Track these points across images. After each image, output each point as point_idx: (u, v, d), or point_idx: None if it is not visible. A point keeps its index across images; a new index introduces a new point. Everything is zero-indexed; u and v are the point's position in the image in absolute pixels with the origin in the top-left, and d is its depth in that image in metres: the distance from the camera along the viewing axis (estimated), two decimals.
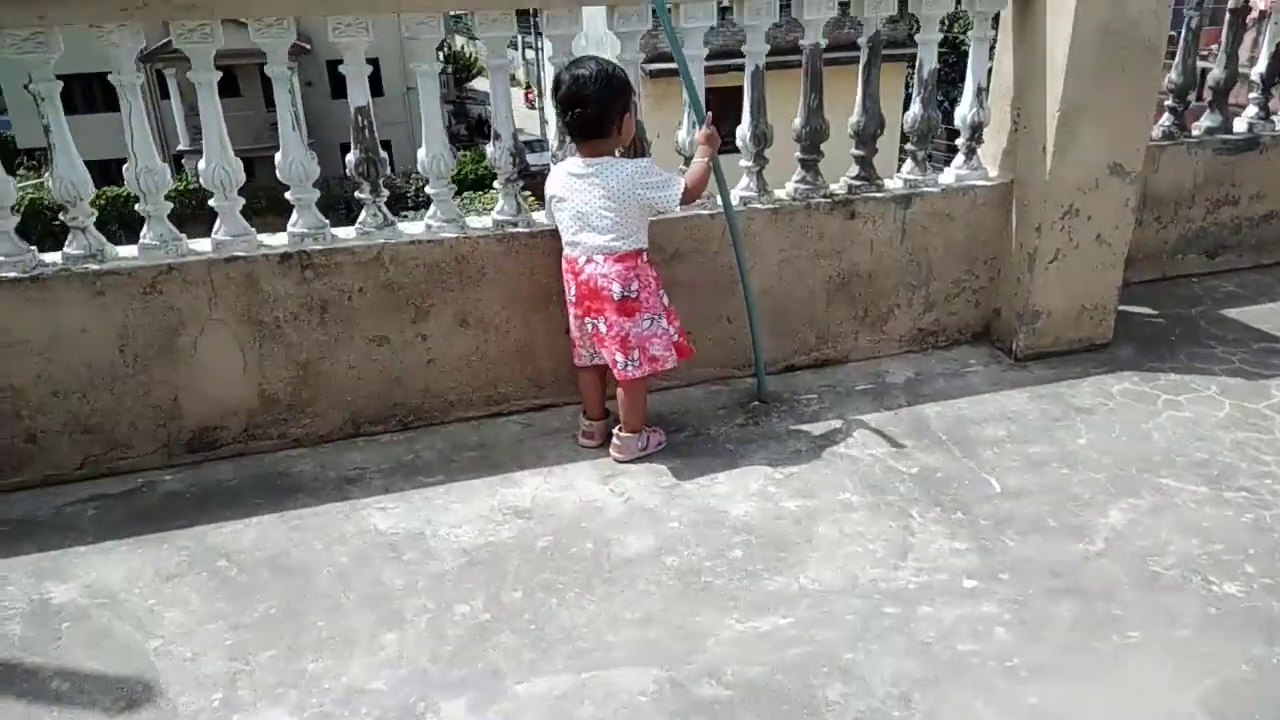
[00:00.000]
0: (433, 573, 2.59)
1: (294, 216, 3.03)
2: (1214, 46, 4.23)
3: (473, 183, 22.08)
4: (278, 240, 3.04)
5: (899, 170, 3.70)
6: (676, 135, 3.29)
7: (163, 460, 3.07)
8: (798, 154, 3.48)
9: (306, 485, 2.98)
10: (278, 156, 2.97)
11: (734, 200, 3.36)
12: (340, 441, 3.22)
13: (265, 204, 9.38)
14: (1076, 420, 3.30)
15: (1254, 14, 4.47)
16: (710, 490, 2.95)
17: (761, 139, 3.36)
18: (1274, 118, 4.36)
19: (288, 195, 3.01)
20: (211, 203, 2.95)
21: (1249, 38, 4.58)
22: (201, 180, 2.91)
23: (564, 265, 2.99)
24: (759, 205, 3.41)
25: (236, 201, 2.96)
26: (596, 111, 2.78)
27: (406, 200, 20.56)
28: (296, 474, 3.05)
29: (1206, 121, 4.28)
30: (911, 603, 2.46)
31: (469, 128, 39.57)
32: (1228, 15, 4.09)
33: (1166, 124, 4.21)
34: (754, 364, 3.44)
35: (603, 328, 2.95)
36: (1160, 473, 2.99)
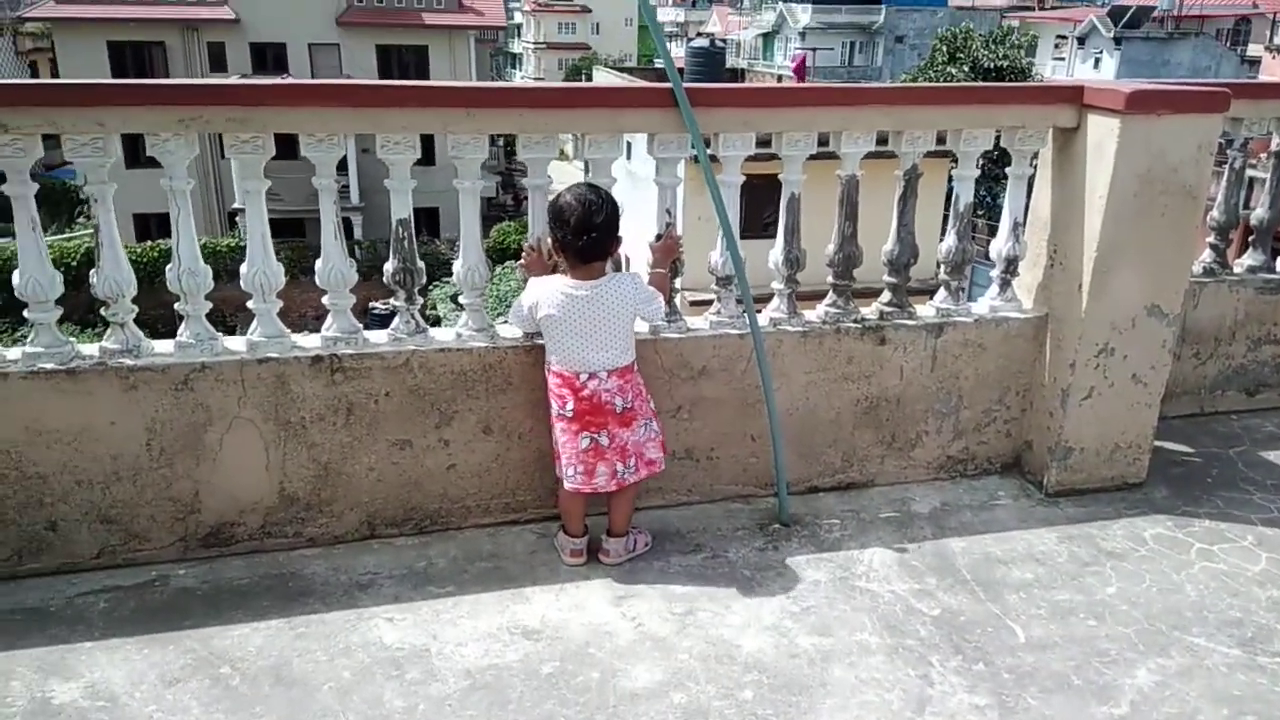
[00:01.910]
0: (434, 695, 2.54)
1: (329, 320, 3.08)
2: (1263, 155, 4.22)
3: (515, 253, 22.50)
4: (310, 342, 3.09)
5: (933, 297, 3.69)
6: (710, 256, 3.32)
7: (178, 554, 3.07)
8: (830, 279, 3.49)
9: (317, 589, 2.97)
10: (318, 263, 3.03)
11: (764, 321, 3.38)
12: (355, 543, 3.21)
13: (314, 264, 9.56)
14: (1106, 566, 3.21)
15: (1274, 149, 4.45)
16: (724, 620, 2.89)
17: (794, 263, 3.38)
18: None
19: (325, 300, 3.07)
20: (250, 304, 3.01)
21: None
22: (242, 283, 2.98)
23: (554, 381, 2.99)
24: (789, 327, 3.42)
25: (274, 304, 3.02)
26: (606, 236, 2.90)
27: (450, 268, 20.96)
28: (308, 576, 3.03)
29: (1249, 260, 4.24)
30: None
31: (516, 199, 40.41)
32: (1273, 160, 4.08)
33: (1208, 260, 4.18)
34: (776, 485, 3.40)
35: (604, 441, 2.97)
36: (1191, 630, 2.88)
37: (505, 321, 3.17)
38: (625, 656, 2.72)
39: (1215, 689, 2.64)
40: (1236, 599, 3.03)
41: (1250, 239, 4.30)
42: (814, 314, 3.49)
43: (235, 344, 3.05)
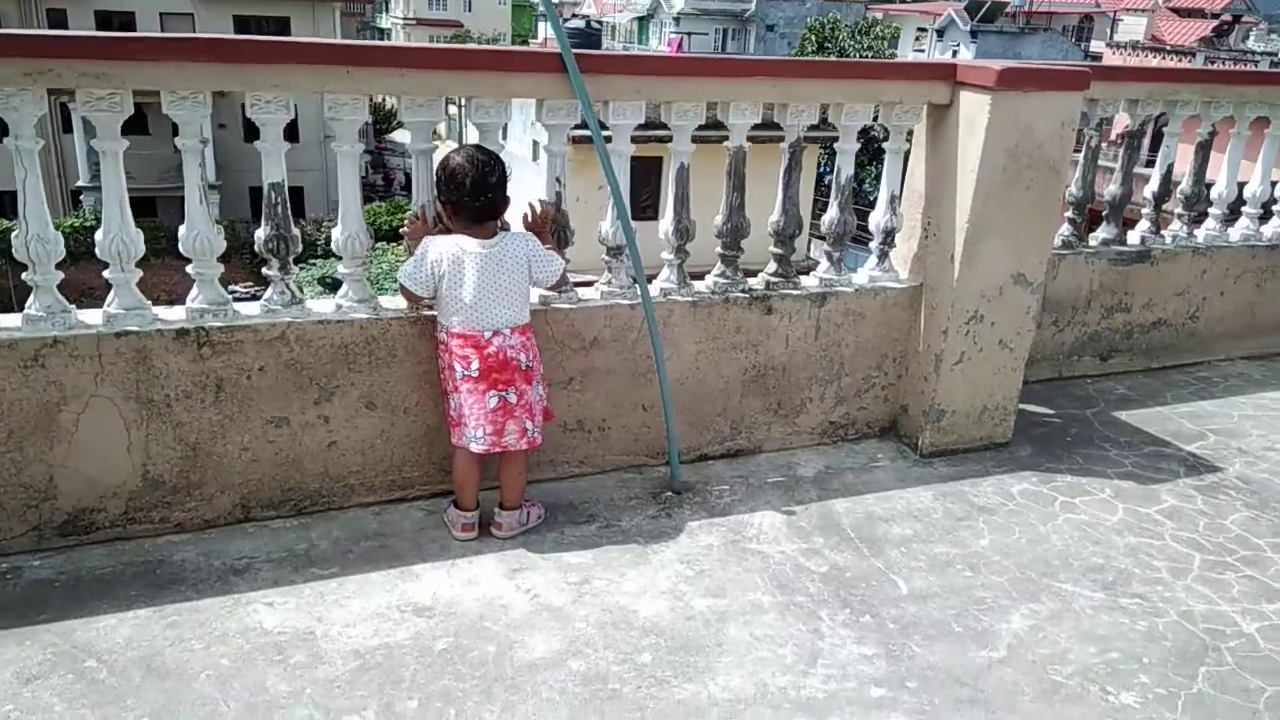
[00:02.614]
0: (322, 678, 2.44)
1: (194, 291, 2.90)
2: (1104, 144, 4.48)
3: (388, 233, 21.80)
4: (174, 315, 2.90)
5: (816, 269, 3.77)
6: (600, 226, 3.29)
7: (32, 544, 2.84)
8: (718, 249, 3.52)
9: (188, 576, 2.80)
10: (182, 229, 2.84)
11: (654, 291, 3.37)
12: (228, 527, 3.04)
13: (167, 245, 8.98)
14: (979, 520, 3.36)
15: (1118, 132, 4.77)
16: (620, 588, 2.88)
17: (684, 233, 3.39)
18: (1164, 232, 4.62)
19: (189, 269, 2.88)
20: (107, 274, 2.79)
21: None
22: (98, 251, 2.76)
23: (455, 344, 2.92)
24: (679, 297, 3.43)
25: (133, 274, 2.81)
26: (500, 195, 2.90)
27: (316, 248, 20.15)
28: (177, 563, 2.86)
29: (1103, 233, 4.51)
30: (821, 713, 2.43)
31: (386, 179, 39.27)
32: (1125, 138, 4.34)
33: (1066, 234, 4.42)
34: (668, 453, 3.42)
35: (512, 398, 2.93)
36: (1059, 577, 3.05)
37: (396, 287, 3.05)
38: (521, 628, 2.68)
39: (1083, 630, 2.80)
40: (1098, 547, 3.23)
41: (1104, 214, 4.56)
42: (703, 284, 3.51)
43: (91, 317, 2.83)
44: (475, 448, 2.95)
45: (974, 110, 3.42)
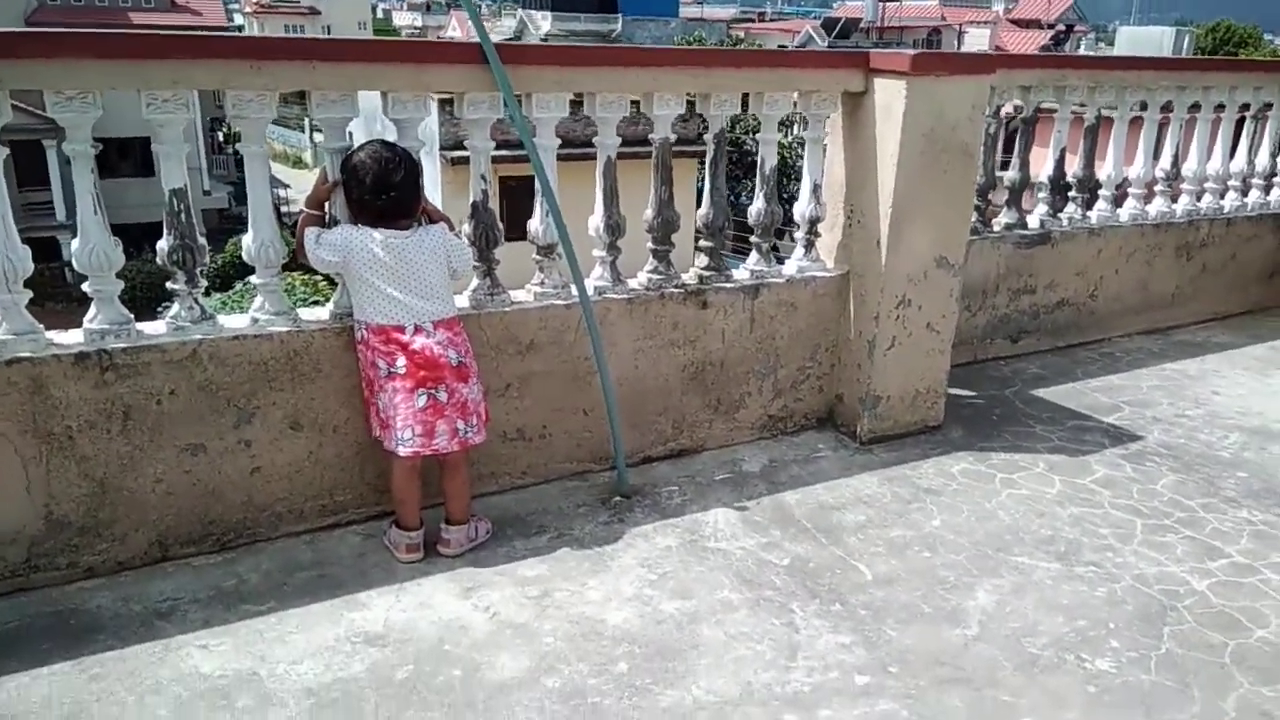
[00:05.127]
0: None
1: (92, 310, 2.62)
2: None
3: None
4: (71, 338, 2.61)
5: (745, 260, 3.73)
6: (530, 225, 3.16)
7: None
8: (650, 244, 3.43)
9: (107, 624, 2.51)
10: (75, 243, 2.57)
11: (589, 290, 3.25)
12: (145, 568, 2.76)
13: None
14: (927, 501, 3.37)
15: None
16: (583, 597, 2.74)
17: (615, 229, 3.29)
18: (1060, 215, 4.80)
19: (86, 287, 2.61)
20: None
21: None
22: None
23: (377, 340, 2.74)
24: (614, 295, 3.32)
25: (22, 295, 2.52)
26: (408, 194, 2.74)
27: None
28: (93, 610, 2.56)
29: (1005, 218, 4.64)
30: (810, 707, 2.35)
31: None
32: (1021, 126, 4.49)
33: (972, 220, 4.52)
34: (614, 457, 3.30)
35: (442, 396, 2.76)
36: (1013, 551, 3.08)
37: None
38: (486, 648, 2.50)
39: (1047, 600, 2.82)
40: (1044, 519, 3.27)
41: (1005, 200, 4.71)
42: (637, 281, 3.42)
43: None
44: (403, 451, 2.76)
45: (890, 96, 3.45)
